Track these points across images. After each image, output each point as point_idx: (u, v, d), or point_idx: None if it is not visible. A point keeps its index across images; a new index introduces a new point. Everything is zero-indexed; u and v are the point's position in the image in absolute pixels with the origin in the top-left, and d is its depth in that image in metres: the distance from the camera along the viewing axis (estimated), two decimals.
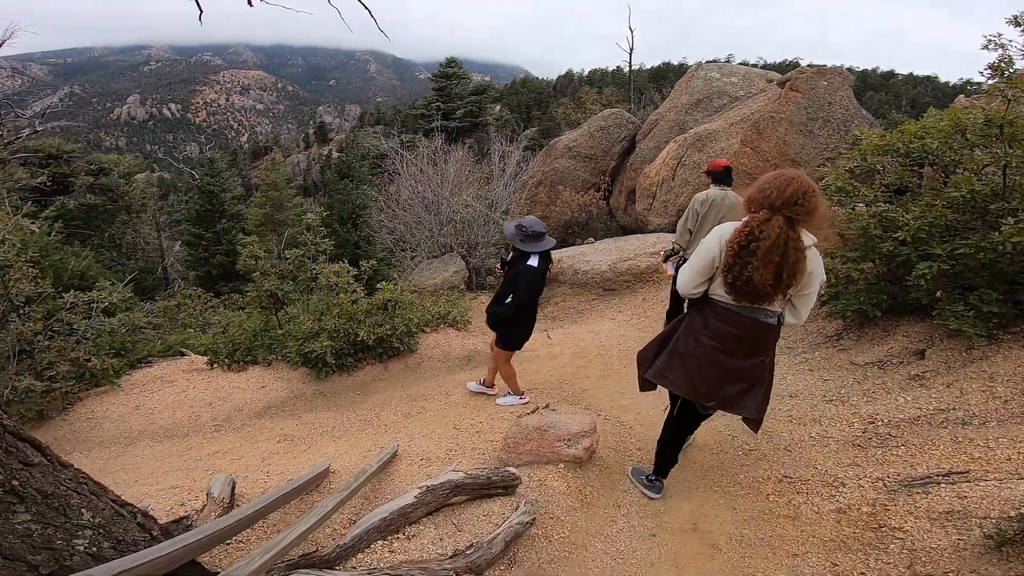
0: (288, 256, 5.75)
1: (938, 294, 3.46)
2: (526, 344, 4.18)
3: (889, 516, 2.43)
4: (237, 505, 3.00)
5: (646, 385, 2.74)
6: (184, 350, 6.69)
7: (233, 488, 3.04)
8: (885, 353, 3.89)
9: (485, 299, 8.73)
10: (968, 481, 2.56)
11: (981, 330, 3.24)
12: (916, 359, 3.72)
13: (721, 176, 4.48)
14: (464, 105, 23.81)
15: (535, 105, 43.91)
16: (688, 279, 2.38)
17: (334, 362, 4.71)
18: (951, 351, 3.50)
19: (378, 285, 5.09)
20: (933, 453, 2.84)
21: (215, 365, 5.69)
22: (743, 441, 3.41)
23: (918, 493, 2.57)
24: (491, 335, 4.15)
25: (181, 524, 2.85)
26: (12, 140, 10.82)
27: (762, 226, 2.09)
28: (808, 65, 8.29)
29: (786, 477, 2.99)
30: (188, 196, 24.71)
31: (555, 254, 8.04)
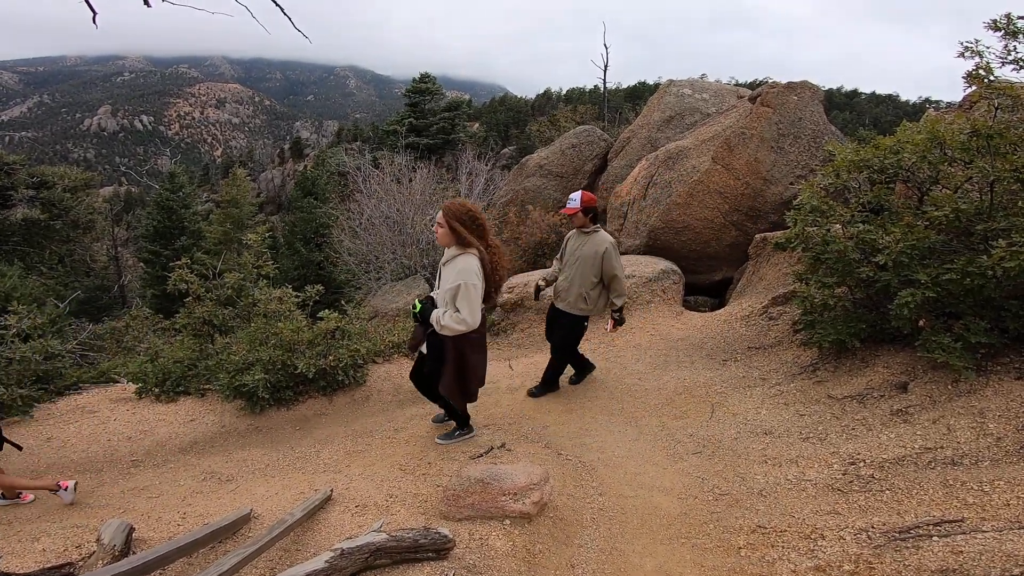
0: (226, 279, 5.33)
1: (921, 323, 3.26)
2: (487, 376, 3.89)
3: None
4: (134, 552, 2.63)
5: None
6: (117, 377, 6.15)
7: (129, 534, 2.68)
8: (865, 386, 3.67)
9: None
10: (963, 532, 2.30)
11: (969, 362, 3.03)
12: (898, 392, 3.50)
13: (597, 211, 4.29)
14: (437, 121, 23.72)
15: (513, 124, 44.28)
16: None
17: (268, 396, 4.30)
18: (936, 384, 3.29)
19: (320, 313, 4.70)
20: (922, 498, 2.59)
21: (143, 395, 5.20)
22: (714, 485, 3.11)
23: (907, 548, 2.30)
24: None
25: (59, 572, 2.45)
26: None
27: None
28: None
29: (760, 527, 2.69)
30: (147, 211, 23.83)
31: (521, 278, 7.75)
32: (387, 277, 9.67)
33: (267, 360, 4.26)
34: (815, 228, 3.93)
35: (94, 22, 2.34)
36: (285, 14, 2.76)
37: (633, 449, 3.56)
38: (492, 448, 3.47)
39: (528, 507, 2.41)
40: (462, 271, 3.03)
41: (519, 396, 4.63)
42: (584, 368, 4.66)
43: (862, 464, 2.99)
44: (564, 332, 4.30)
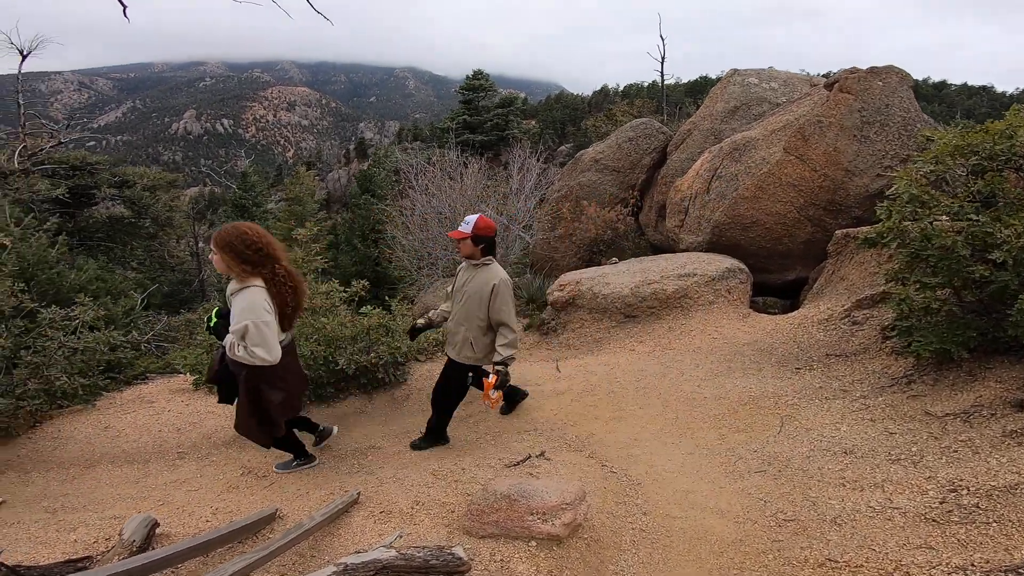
0: None
1: None
2: (531, 378, 3.67)
3: None
4: (154, 547, 2.65)
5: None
6: (179, 368, 6.47)
7: (152, 529, 2.70)
8: (972, 402, 3.14)
9: None
10: None
11: None
12: (1014, 411, 2.98)
13: (494, 243, 3.50)
14: (491, 118, 23.73)
15: (569, 121, 43.72)
16: None
17: (309, 392, 4.32)
18: None
19: (362, 309, 4.67)
20: None
21: (199, 386, 5.40)
22: (778, 508, 2.74)
23: None
24: None
25: (74, 566, 2.50)
26: (36, 151, 11.20)
27: None
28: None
29: (830, 560, 2.34)
30: (223, 209, 25.50)
31: (574, 275, 7.47)
32: (438, 273, 9.69)
33: (308, 355, 4.27)
34: (914, 221, 3.42)
35: (124, 15, 2.36)
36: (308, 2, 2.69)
37: (687, 464, 3.23)
38: (530, 456, 3.26)
39: (558, 529, 2.19)
40: (245, 310, 2.70)
41: (565, 400, 4.39)
42: (441, 434, 3.80)
43: (964, 492, 2.55)
44: (443, 382, 3.61)
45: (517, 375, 5.17)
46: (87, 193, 11.59)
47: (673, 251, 8.46)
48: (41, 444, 4.47)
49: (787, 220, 7.27)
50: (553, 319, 7.03)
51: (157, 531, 2.84)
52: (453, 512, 2.70)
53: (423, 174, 9.59)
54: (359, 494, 2.95)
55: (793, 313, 5.97)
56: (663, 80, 17.66)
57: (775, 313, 6.58)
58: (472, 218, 3.36)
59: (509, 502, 2.24)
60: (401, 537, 2.30)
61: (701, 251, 7.82)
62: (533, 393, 4.60)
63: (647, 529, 2.58)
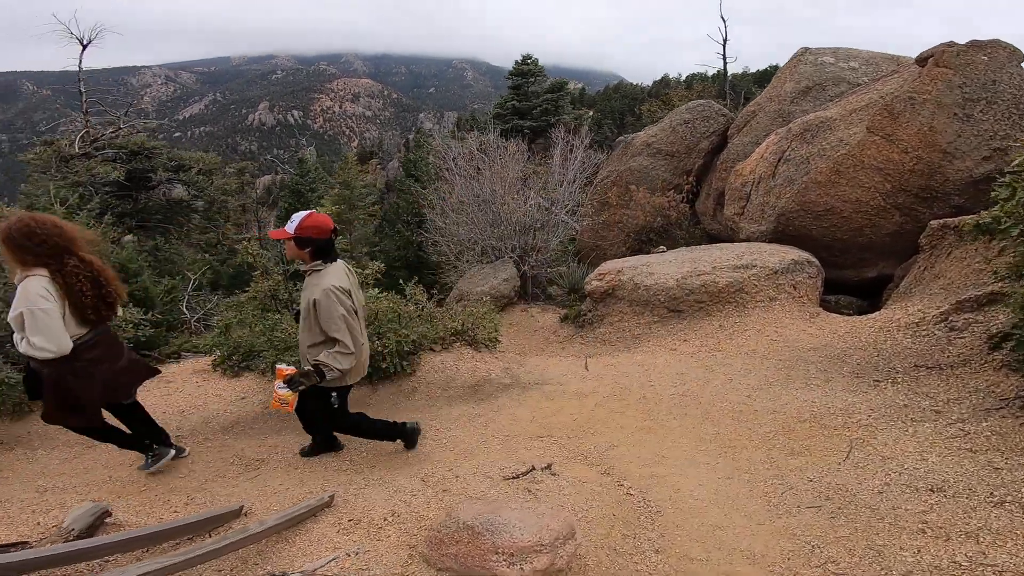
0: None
1: None
2: (554, 376, 3.21)
3: None
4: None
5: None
6: (201, 349, 6.51)
7: (100, 517, 2.57)
8: None
9: (536, 312, 7.82)
10: None
11: None
12: None
13: (329, 244, 2.91)
14: (540, 103, 23.12)
15: (628, 111, 42.38)
16: None
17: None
18: None
19: (370, 293, 4.37)
20: None
21: (217, 368, 5.34)
22: (829, 556, 2.18)
23: None
24: None
25: (10, 549, 2.35)
26: (98, 137, 11.85)
27: None
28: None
29: None
30: (282, 194, 26.54)
31: (615, 264, 6.91)
32: (476, 259, 9.38)
33: None
34: None
35: None
36: None
37: (721, 491, 2.69)
38: (534, 469, 2.83)
39: (526, 575, 1.74)
40: (20, 298, 2.68)
41: (588, 404, 3.91)
42: (327, 447, 3.47)
43: None
44: (305, 402, 2.99)
45: (541, 371, 4.75)
46: (145, 176, 12.18)
47: (732, 241, 7.70)
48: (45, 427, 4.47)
49: (869, 208, 6.37)
50: (590, 311, 6.53)
51: (109, 520, 2.68)
52: (429, 529, 2.33)
53: (461, 157, 9.27)
54: (332, 497, 2.65)
55: (874, 315, 5.16)
56: (725, 62, 16.34)
57: (850, 314, 5.76)
58: (299, 215, 2.85)
59: (472, 535, 1.84)
60: (336, 560, 1.97)
61: (764, 241, 7.04)
62: (554, 393, 4.15)
63: (656, 574, 2.09)
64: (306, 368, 2.81)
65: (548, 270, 9.37)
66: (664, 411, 3.67)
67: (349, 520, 2.45)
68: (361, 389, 4.22)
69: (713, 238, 8.94)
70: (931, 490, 2.55)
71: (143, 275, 7.92)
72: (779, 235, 7.00)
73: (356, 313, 2.89)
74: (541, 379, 4.39)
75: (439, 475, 2.94)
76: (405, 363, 4.18)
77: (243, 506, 2.70)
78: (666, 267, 6.20)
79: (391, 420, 3.34)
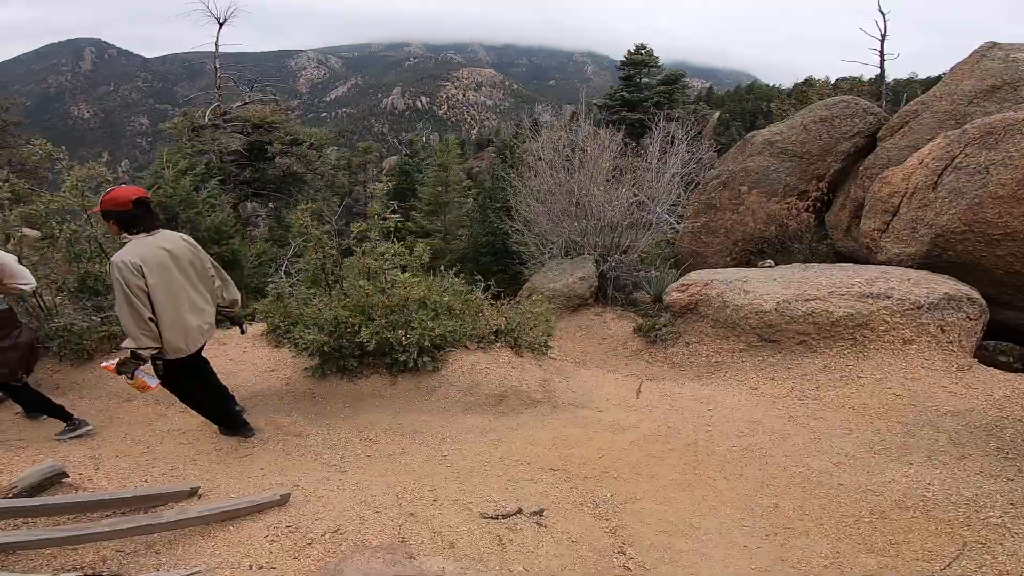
0: (353, 230, 5.20)
1: None
2: (597, 397, 2.73)
3: None
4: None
5: None
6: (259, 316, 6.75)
7: (51, 479, 2.51)
8: None
9: (611, 318, 7.17)
10: None
11: None
12: None
13: (132, 217, 2.79)
14: (652, 96, 21.64)
15: (761, 113, 38.89)
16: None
17: (327, 361, 3.95)
18: None
19: (393, 276, 4.08)
20: None
21: (268, 336, 5.45)
22: None
23: None
24: None
25: None
26: (227, 110, 13.06)
27: None
28: None
29: None
30: (394, 173, 28.00)
31: (704, 275, 6.05)
32: (556, 252, 8.91)
33: (331, 320, 3.86)
34: None
35: None
36: None
37: None
38: (520, 511, 2.35)
39: None
40: None
41: (624, 439, 3.31)
42: (226, 423, 3.42)
43: None
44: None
45: (585, 389, 4.19)
46: (263, 148, 13.26)
47: (867, 263, 6.44)
48: (102, 372, 4.77)
49: None
50: (666, 326, 5.77)
51: (67, 481, 2.63)
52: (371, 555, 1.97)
53: (549, 145, 8.81)
54: (287, 496, 2.41)
55: None
56: (883, 59, 13.78)
57: (1013, 367, 4.48)
58: (113, 190, 2.85)
59: None
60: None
61: (909, 267, 5.76)
62: (588, 420, 3.58)
63: None
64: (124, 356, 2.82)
65: (635, 273, 8.62)
66: (714, 466, 2.96)
67: (287, 526, 2.19)
68: (381, 379, 3.99)
69: (843, 257, 7.62)
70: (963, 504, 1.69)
71: (235, 239, 8.50)
72: (932, 260, 5.70)
73: (173, 287, 2.85)
74: (580, 399, 3.85)
75: (417, 494, 2.57)
76: (427, 358, 3.85)
77: (198, 488, 2.55)
78: (767, 285, 5.27)
79: (230, 411, 3.43)
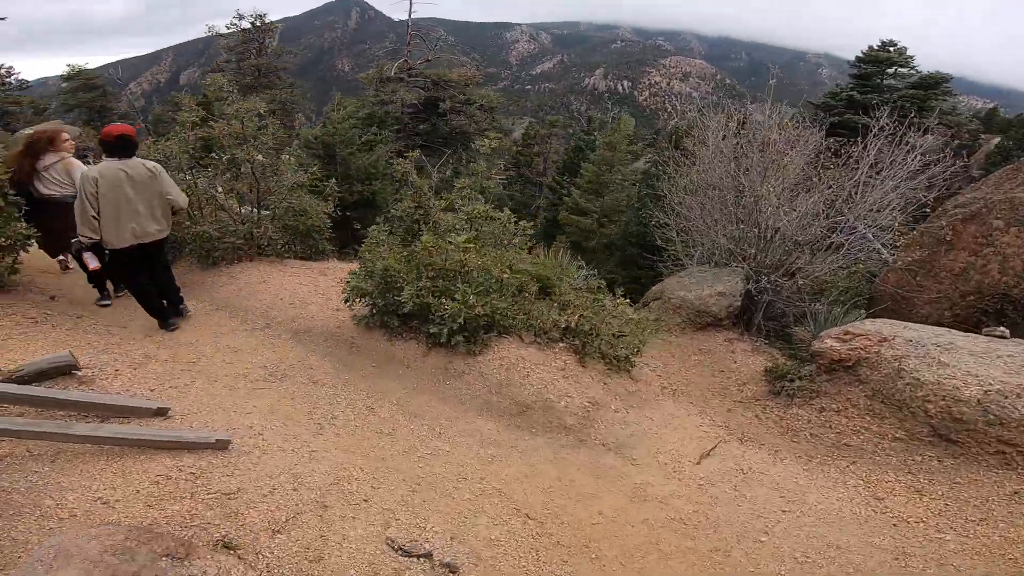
0: (457, 185, 4.89)
1: None
2: (645, 447, 2.32)
3: None
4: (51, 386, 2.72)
5: None
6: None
7: (57, 368, 2.75)
8: None
9: (743, 349, 5.87)
10: None
11: None
12: None
13: (112, 147, 3.79)
14: (893, 99, 17.49)
15: None
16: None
17: (372, 315, 3.70)
18: None
19: (451, 239, 3.56)
20: None
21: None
22: None
23: None
24: None
25: None
26: (412, 66, 13.81)
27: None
28: None
29: None
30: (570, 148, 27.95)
31: (889, 326, 4.51)
32: (703, 258, 7.69)
33: (380, 272, 3.51)
34: None
35: None
36: None
37: None
38: (430, 555, 1.74)
39: None
40: None
41: (635, 513, 2.47)
42: (148, 308, 4.08)
43: None
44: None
45: (639, 431, 3.30)
46: (436, 103, 13.86)
47: None
48: (217, 278, 5.12)
49: None
50: (807, 379, 4.44)
51: (78, 373, 2.74)
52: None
53: (719, 130, 7.48)
54: (224, 442, 2.34)
55: None
56: None
57: None
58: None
59: None
60: None
61: None
62: (608, 472, 2.77)
63: None
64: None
65: (799, 303, 6.99)
66: None
67: (192, 472, 2.12)
68: (417, 346, 3.59)
69: None
70: None
71: (377, 182, 8.84)
72: None
73: (117, 197, 3.67)
74: (622, 441, 3.02)
75: (355, 488, 2.20)
76: (460, 338, 3.31)
77: (167, 408, 2.56)
78: (981, 364, 3.67)
79: (162, 306, 4.03)
